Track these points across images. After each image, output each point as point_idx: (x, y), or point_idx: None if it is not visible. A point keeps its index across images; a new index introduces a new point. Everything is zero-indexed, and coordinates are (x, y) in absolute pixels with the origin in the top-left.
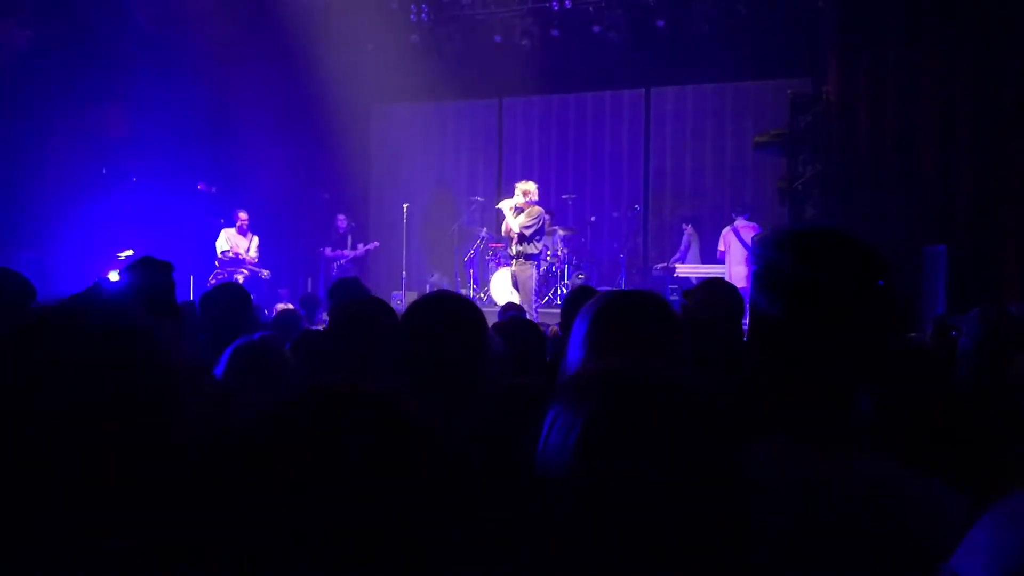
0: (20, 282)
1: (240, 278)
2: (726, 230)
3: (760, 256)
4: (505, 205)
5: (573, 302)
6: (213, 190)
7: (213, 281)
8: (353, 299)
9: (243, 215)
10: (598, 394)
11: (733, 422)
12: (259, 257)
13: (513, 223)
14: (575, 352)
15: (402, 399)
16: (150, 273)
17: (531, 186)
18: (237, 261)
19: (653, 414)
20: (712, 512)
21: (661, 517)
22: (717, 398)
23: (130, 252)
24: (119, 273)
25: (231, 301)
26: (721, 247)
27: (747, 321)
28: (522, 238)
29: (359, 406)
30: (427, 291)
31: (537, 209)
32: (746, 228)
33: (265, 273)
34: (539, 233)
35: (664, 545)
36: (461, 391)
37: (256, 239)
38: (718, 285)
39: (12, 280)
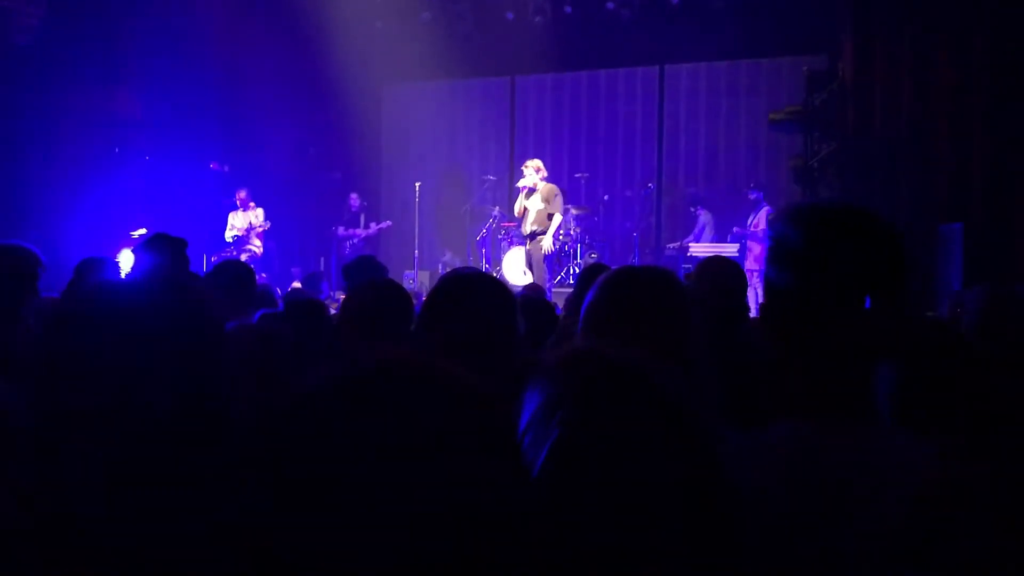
0: (28, 255)
1: (244, 256)
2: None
3: (773, 231)
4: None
5: (586, 280)
6: (225, 169)
7: (214, 259)
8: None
9: (241, 193)
10: (573, 405)
11: (706, 423)
12: (271, 225)
13: (532, 210)
14: (581, 324)
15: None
16: (164, 250)
17: (540, 162)
18: (244, 239)
19: (631, 433)
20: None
21: (630, 539)
22: (692, 399)
23: (143, 231)
24: (132, 251)
25: (234, 278)
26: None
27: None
28: (551, 219)
29: (426, 380)
30: (440, 270)
31: (556, 189)
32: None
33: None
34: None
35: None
36: (494, 367)
37: (260, 210)
38: (713, 263)
39: (20, 254)
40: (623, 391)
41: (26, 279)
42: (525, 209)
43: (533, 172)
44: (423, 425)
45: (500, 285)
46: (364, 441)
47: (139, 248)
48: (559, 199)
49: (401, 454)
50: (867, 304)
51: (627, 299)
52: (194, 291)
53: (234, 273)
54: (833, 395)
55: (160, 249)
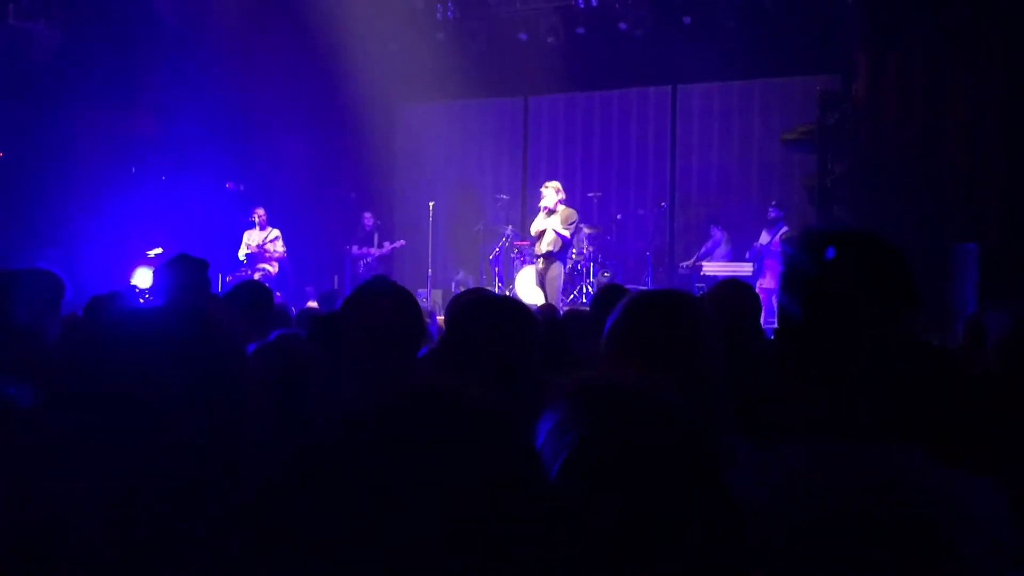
0: (53, 279)
1: (258, 275)
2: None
3: (785, 257)
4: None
5: (602, 301)
6: (241, 188)
7: (229, 279)
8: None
9: (259, 211)
10: (587, 424)
11: (716, 450)
12: (285, 250)
13: (551, 229)
14: (603, 348)
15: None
16: (186, 270)
17: (559, 184)
18: (258, 256)
19: (638, 454)
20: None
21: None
22: (703, 424)
23: (159, 250)
24: (153, 271)
25: (252, 298)
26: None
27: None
28: (565, 242)
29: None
30: (453, 289)
31: (573, 213)
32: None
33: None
34: (574, 235)
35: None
36: (516, 387)
37: (277, 233)
38: (727, 286)
39: (46, 278)
40: (634, 413)
41: (50, 303)
42: (541, 229)
43: (553, 193)
44: (454, 447)
45: (523, 308)
46: (401, 460)
47: (161, 268)
48: (574, 225)
49: (433, 473)
50: (879, 329)
51: (649, 324)
52: (214, 318)
53: (252, 294)
54: (846, 417)
55: (182, 269)
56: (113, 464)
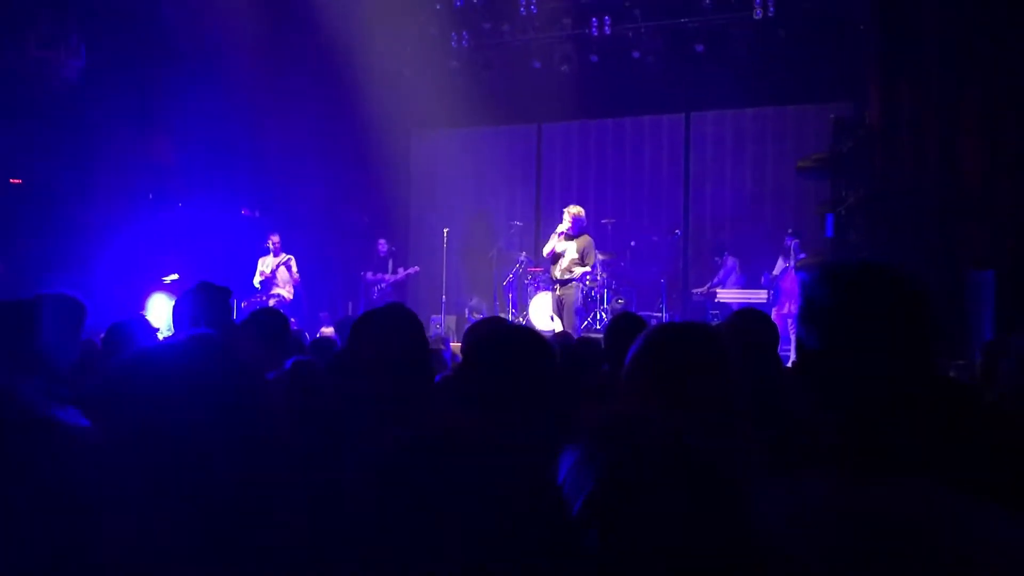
0: (76, 305)
1: (272, 302)
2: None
3: (803, 290)
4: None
5: (616, 328)
6: (256, 215)
7: (244, 305)
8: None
9: (274, 238)
10: (609, 460)
11: (737, 484)
12: (299, 276)
13: (567, 258)
14: (624, 380)
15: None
16: (208, 298)
17: (582, 210)
18: (273, 282)
19: (660, 490)
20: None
21: None
22: (725, 462)
23: (175, 276)
24: (176, 298)
25: (269, 327)
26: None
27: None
28: (580, 268)
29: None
30: (466, 315)
31: (590, 242)
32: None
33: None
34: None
35: None
36: (535, 420)
37: (285, 257)
38: (745, 315)
39: (69, 303)
40: (656, 449)
41: (72, 328)
42: (556, 253)
43: (569, 219)
44: (478, 486)
45: (540, 339)
46: (425, 497)
47: (184, 296)
48: (592, 254)
49: (457, 511)
50: (897, 362)
51: (672, 357)
52: (234, 348)
53: (269, 322)
54: (864, 449)
55: (204, 297)
56: (141, 486)
